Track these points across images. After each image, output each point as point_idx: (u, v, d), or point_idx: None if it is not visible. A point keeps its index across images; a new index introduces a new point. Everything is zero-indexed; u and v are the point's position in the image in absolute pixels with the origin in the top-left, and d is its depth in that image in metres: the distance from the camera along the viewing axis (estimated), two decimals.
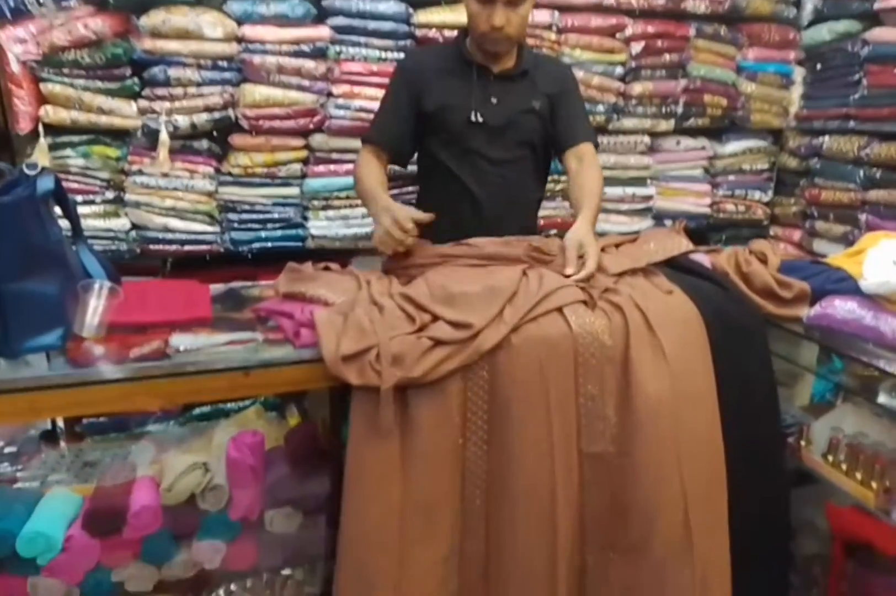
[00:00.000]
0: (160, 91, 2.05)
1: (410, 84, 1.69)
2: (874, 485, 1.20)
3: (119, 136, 2.08)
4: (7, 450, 1.51)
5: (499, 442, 1.16)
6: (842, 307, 1.30)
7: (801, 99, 2.69)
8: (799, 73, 2.70)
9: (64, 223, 1.26)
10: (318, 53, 2.16)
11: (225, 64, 2.10)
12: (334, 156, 2.23)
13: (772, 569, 1.33)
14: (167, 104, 2.06)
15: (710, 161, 2.66)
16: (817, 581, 1.37)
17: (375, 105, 2.16)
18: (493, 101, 1.65)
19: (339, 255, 2.26)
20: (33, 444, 1.56)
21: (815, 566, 1.38)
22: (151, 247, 2.12)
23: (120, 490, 1.17)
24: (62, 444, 1.69)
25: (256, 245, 2.19)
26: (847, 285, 1.35)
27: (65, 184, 1.96)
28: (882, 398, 1.20)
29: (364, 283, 1.33)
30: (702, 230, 2.69)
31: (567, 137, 1.69)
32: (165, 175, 2.09)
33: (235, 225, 2.17)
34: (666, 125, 2.54)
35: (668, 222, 2.61)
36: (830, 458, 1.29)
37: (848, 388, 1.50)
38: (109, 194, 2.08)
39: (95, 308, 1.19)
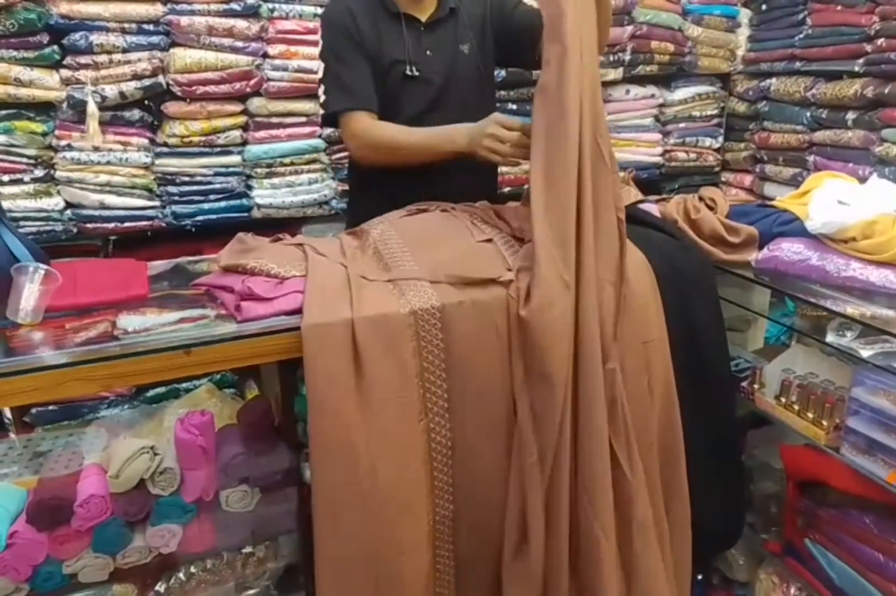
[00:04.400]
0: (83, 59, 1.94)
1: (351, 36, 1.50)
2: (825, 423, 1.22)
3: (43, 109, 1.97)
4: None
5: (458, 398, 1.14)
6: (789, 249, 1.30)
7: (747, 41, 2.66)
8: (745, 15, 2.67)
9: None
10: (250, 12, 2.06)
11: (151, 27, 2.00)
12: (275, 120, 2.15)
13: (727, 509, 1.36)
14: (92, 73, 1.96)
15: (659, 109, 2.63)
16: (775, 519, 1.41)
17: (314, 65, 2.09)
18: (428, 53, 1.56)
19: (288, 223, 2.21)
20: None
21: (771, 505, 1.42)
22: (89, 225, 2.03)
23: (66, 480, 1.13)
24: (11, 435, 1.63)
25: (200, 218, 2.12)
26: (794, 227, 1.35)
27: None
28: (830, 337, 1.20)
29: (311, 251, 1.29)
30: (654, 180, 2.68)
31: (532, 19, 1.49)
32: (97, 149, 2.00)
33: (176, 198, 2.10)
34: (614, 74, 2.50)
35: (619, 174, 2.59)
36: (783, 399, 1.31)
37: (799, 329, 1.51)
38: (38, 172, 1.98)
39: (31, 292, 1.13)
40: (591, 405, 1.12)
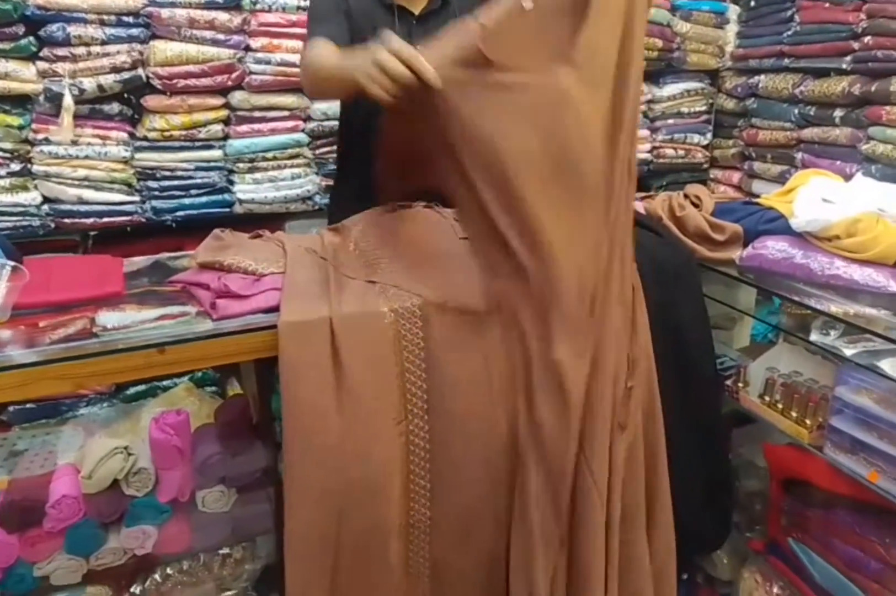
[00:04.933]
0: (60, 51, 1.90)
1: (340, 10, 1.46)
2: (808, 422, 1.21)
3: (20, 102, 1.93)
4: None
5: (438, 400, 1.12)
6: (773, 247, 1.29)
7: (736, 38, 2.65)
8: (733, 12, 2.66)
9: None
10: (232, 4, 2.03)
11: (130, 19, 1.96)
12: (257, 114, 2.12)
13: (714, 510, 1.35)
14: (70, 65, 1.92)
15: (648, 105, 2.62)
16: (759, 517, 1.41)
17: (297, 58, 2.06)
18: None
19: (271, 219, 2.18)
20: None
21: (756, 504, 1.42)
22: (67, 221, 2.00)
23: (38, 481, 1.11)
24: None
25: (180, 213, 2.08)
26: (779, 225, 1.34)
27: None
28: (814, 336, 1.20)
29: (291, 247, 1.27)
30: (642, 176, 2.67)
31: None
32: (75, 143, 1.96)
33: (156, 193, 2.06)
34: None
35: None
36: (767, 398, 1.30)
37: (784, 327, 1.51)
38: (15, 166, 1.94)
39: None
40: (597, 424, 1.10)
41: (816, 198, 1.31)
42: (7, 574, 1.05)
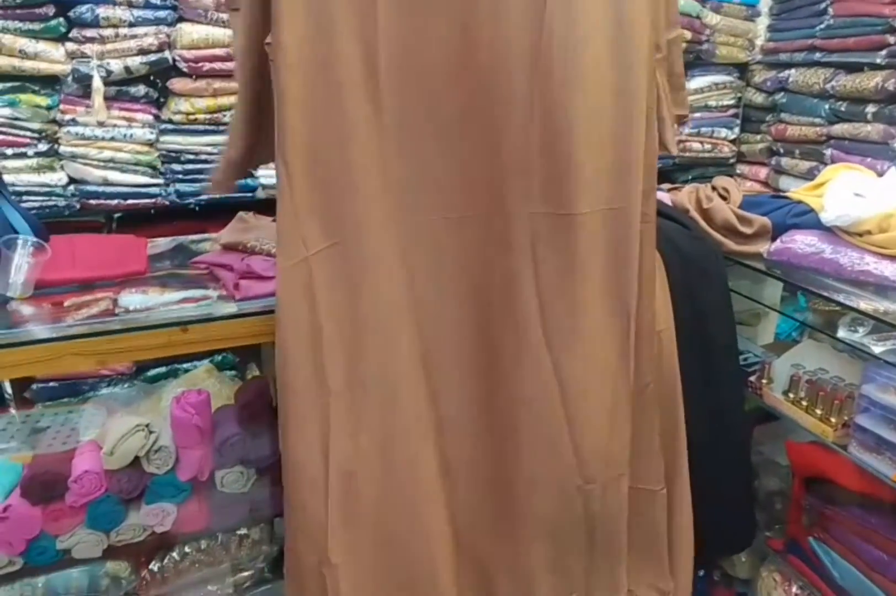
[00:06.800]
0: (89, 32, 1.91)
1: None
2: (833, 420, 1.19)
3: (48, 82, 1.94)
4: None
5: None
6: (802, 241, 1.27)
7: (766, 31, 2.60)
8: (765, 4, 2.61)
9: None
10: None
11: (158, 2, 1.96)
12: None
13: (737, 507, 1.33)
14: (98, 47, 1.92)
15: None
16: (778, 516, 1.39)
17: None
18: None
19: None
20: None
21: (777, 502, 1.40)
22: (92, 202, 2.01)
23: (61, 456, 1.12)
24: (11, 410, 1.62)
25: (204, 197, 2.09)
26: (808, 219, 1.32)
27: None
28: (841, 333, 1.18)
29: None
30: (668, 170, 2.64)
31: None
32: (102, 124, 1.97)
33: (180, 176, 2.07)
34: None
35: None
36: (791, 395, 1.29)
37: (810, 324, 1.48)
38: (42, 146, 1.96)
39: (19, 266, 1.11)
40: None
41: (848, 192, 1.28)
42: (30, 546, 1.06)
